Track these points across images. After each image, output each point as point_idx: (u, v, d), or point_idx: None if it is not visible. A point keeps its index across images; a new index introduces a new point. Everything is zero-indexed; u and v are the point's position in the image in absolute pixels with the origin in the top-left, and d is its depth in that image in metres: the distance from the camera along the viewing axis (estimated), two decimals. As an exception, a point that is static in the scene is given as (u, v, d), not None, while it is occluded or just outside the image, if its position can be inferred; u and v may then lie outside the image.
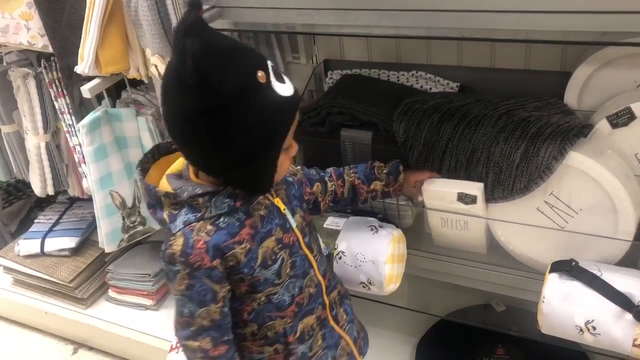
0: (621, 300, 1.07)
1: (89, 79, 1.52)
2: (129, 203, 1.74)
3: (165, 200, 0.98)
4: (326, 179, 1.22)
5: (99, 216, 1.70)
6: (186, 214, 0.96)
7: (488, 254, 1.35)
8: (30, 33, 1.57)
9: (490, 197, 1.26)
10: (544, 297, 1.14)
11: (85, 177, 1.73)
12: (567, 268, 1.14)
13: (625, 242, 1.17)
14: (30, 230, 2.16)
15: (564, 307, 1.11)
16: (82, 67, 1.40)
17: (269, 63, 0.91)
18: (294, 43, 1.73)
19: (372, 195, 1.26)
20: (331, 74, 1.72)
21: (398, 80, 1.61)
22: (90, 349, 2.05)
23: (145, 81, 1.50)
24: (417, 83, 1.59)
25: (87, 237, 2.11)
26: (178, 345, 1.71)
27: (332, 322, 1.16)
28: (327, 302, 1.14)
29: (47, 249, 2.06)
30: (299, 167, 1.19)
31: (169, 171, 1.03)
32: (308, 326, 1.10)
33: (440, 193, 1.26)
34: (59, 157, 1.83)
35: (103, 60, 1.40)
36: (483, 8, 0.98)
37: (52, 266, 2.02)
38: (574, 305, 1.11)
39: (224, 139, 0.89)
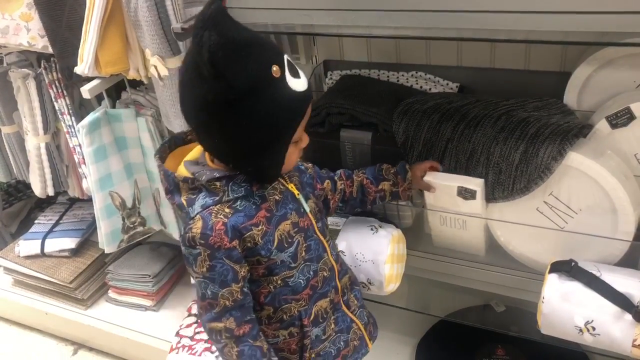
0: (621, 300, 1.07)
1: (89, 79, 1.52)
2: (129, 204, 1.74)
3: (183, 185, 1.00)
4: (336, 178, 1.25)
5: (98, 217, 1.71)
6: (204, 198, 0.99)
7: (488, 255, 1.35)
8: (30, 34, 1.57)
9: (490, 197, 1.26)
10: (543, 298, 1.14)
11: (85, 177, 1.73)
12: (567, 268, 1.14)
13: (625, 242, 1.17)
14: (30, 231, 2.16)
15: (564, 308, 1.11)
16: (82, 67, 1.40)
17: (286, 57, 0.93)
18: (293, 43, 1.73)
19: (380, 195, 1.27)
20: (331, 75, 1.72)
21: (398, 81, 1.61)
22: (91, 349, 2.05)
23: (145, 82, 1.50)
24: (417, 83, 1.59)
25: (87, 237, 2.11)
26: (178, 345, 1.72)
27: (344, 307, 1.18)
28: (339, 286, 1.16)
29: (47, 249, 2.07)
30: (310, 164, 1.20)
31: (186, 158, 1.06)
32: (322, 309, 1.12)
33: (440, 186, 1.27)
34: (59, 157, 1.83)
35: (103, 61, 1.40)
36: (483, 8, 0.98)
37: (52, 267, 2.03)
38: (574, 305, 1.11)
39: (235, 130, 0.91)
